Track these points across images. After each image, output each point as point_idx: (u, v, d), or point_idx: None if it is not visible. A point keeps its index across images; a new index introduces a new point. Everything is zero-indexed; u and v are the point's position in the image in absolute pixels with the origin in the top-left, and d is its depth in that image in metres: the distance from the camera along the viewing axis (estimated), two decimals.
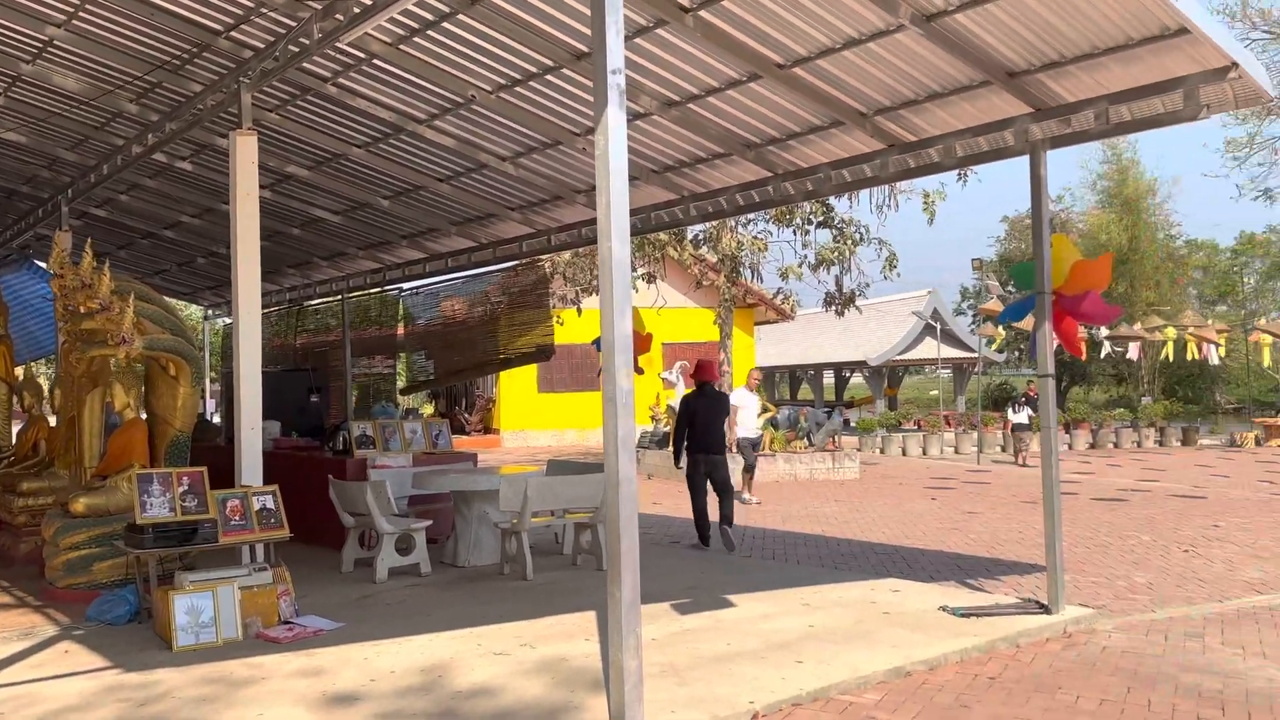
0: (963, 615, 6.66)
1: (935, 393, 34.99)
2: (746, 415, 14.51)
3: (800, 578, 8.28)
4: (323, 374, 14.50)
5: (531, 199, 10.44)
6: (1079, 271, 7.12)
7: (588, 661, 5.70)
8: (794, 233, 20.03)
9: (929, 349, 32.11)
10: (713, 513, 10.21)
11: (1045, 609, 6.77)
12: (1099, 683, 5.49)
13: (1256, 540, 10.86)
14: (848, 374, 44.08)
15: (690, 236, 21.21)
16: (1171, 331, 19.43)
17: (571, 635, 6.34)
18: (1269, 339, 18.27)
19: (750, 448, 14.57)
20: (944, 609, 6.84)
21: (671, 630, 6.42)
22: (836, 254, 19.84)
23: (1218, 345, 19.72)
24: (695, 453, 10.24)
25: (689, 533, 11.23)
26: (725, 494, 10.27)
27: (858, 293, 20.53)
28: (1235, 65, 6.01)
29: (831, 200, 19.12)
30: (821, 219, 19.79)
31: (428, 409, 29.56)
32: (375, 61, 7.85)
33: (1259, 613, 7.38)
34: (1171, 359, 20.39)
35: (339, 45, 7.18)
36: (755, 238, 20.63)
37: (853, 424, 29.44)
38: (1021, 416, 22.74)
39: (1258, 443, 27.59)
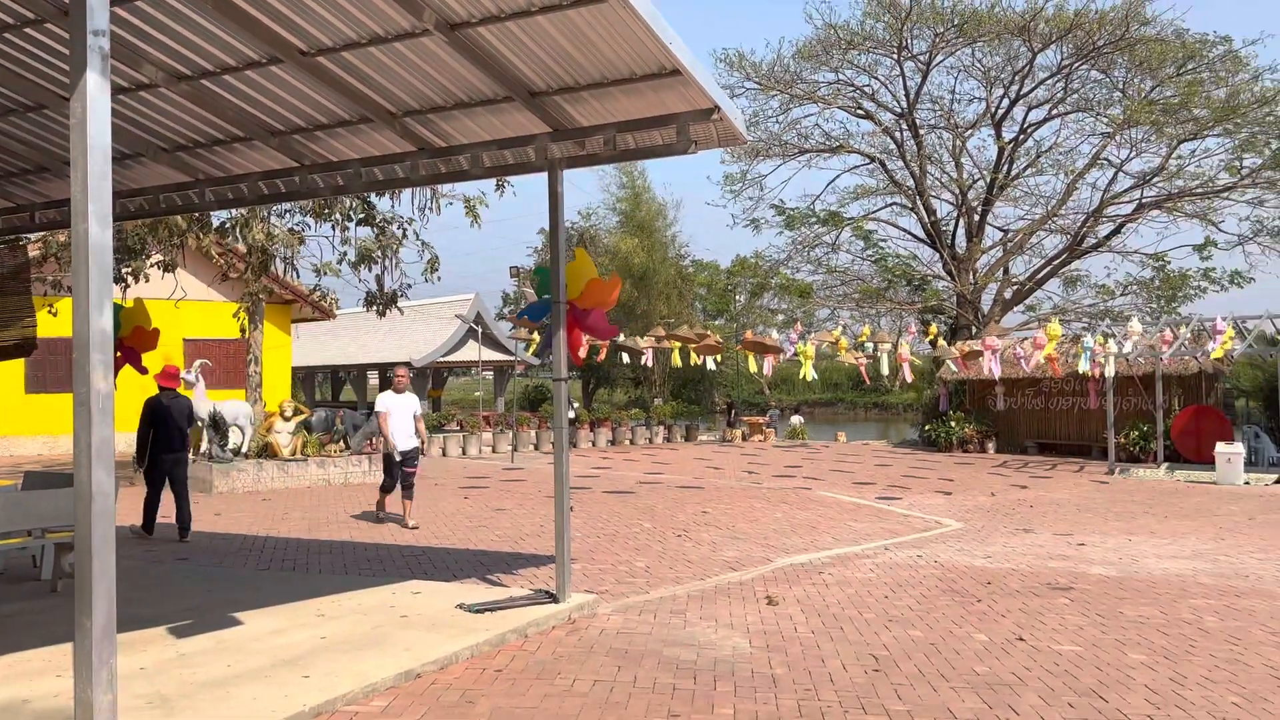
0: (478, 611, 6.85)
1: (479, 394, 35.91)
2: (400, 422, 11.98)
3: (320, 587, 7.99)
4: None
5: (9, 169, 8.98)
6: (591, 288, 7.65)
7: (57, 702, 4.99)
8: (333, 228, 19.36)
9: (472, 351, 32.87)
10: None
11: (554, 598, 7.20)
12: (594, 664, 5.94)
13: (735, 524, 12.49)
14: (392, 375, 43.70)
15: (217, 224, 19.64)
16: (676, 343, 21.75)
17: (39, 673, 5.51)
18: (751, 351, 21.17)
19: (401, 462, 11.98)
20: (461, 607, 6.98)
21: (166, 657, 5.84)
22: (379, 252, 19.52)
23: (715, 354, 22.47)
24: (160, 453, 10.97)
25: (198, 548, 10.42)
26: (182, 494, 11.04)
27: (400, 293, 20.37)
28: (718, 108, 6.85)
29: (373, 198, 18.80)
30: (363, 216, 19.35)
31: None
32: None
33: (732, 588, 8.47)
34: (679, 364, 22.76)
35: None
36: (291, 230, 19.63)
37: None
38: (569, 413, 24.32)
39: (744, 438, 31.95)
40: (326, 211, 18.90)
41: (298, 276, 21.39)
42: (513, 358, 33.69)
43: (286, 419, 17.18)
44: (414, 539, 11.04)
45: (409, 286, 20.35)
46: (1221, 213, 30.33)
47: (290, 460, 16.69)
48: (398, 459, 11.97)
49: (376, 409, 12.24)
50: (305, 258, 20.44)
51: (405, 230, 19.22)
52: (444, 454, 25.84)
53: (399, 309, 20.67)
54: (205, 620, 6.75)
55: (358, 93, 7.16)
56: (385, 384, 44.19)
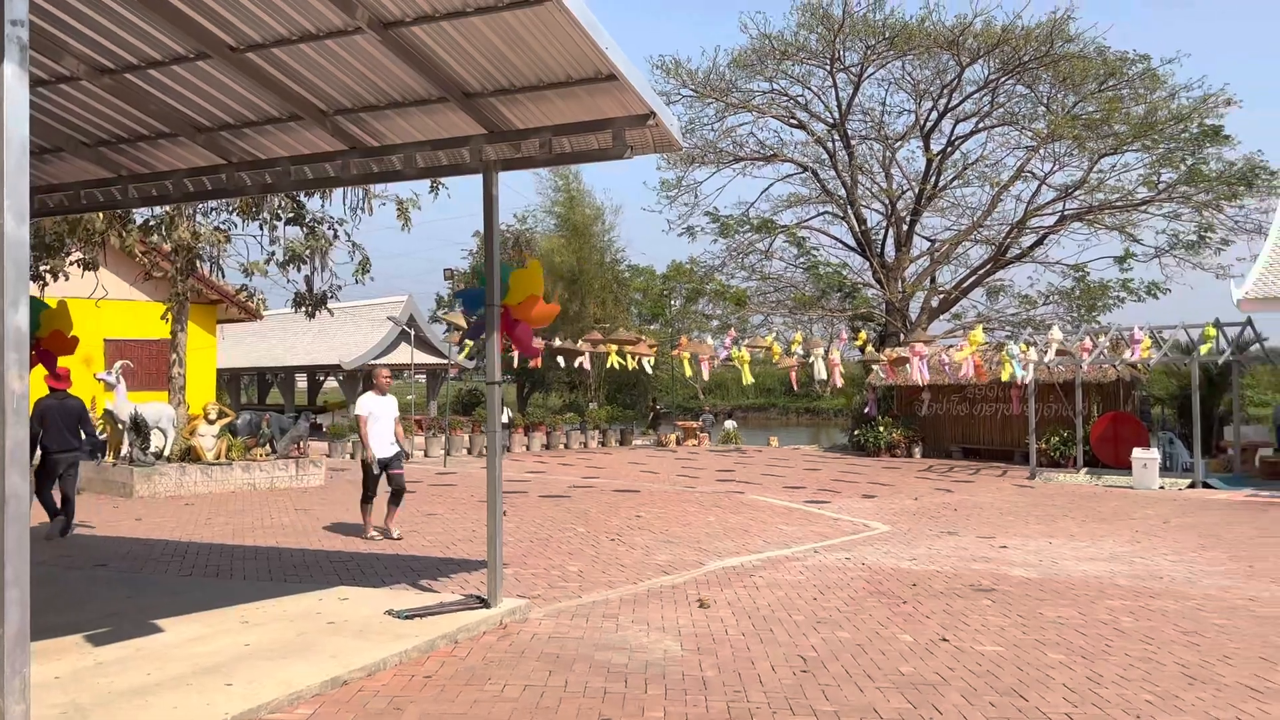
0: (407, 617, 6.77)
1: (411, 397, 35.50)
2: (381, 427, 11.20)
3: (244, 594, 7.82)
4: None
5: None
6: (530, 303, 7.59)
7: None
8: (261, 227, 18.99)
9: (404, 354, 32.49)
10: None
11: (485, 603, 7.15)
12: (525, 669, 5.92)
13: (669, 528, 12.54)
14: (321, 378, 42.98)
15: (140, 222, 19.12)
16: (613, 346, 21.81)
17: None
18: (687, 355, 21.33)
19: (385, 468, 11.20)
20: (390, 613, 6.90)
21: (82, 665, 5.66)
22: (308, 252, 19.17)
23: (649, 356, 22.58)
24: (51, 453, 11.15)
25: (118, 554, 10.14)
26: (68, 497, 11.28)
27: (330, 294, 20.05)
28: (654, 114, 6.88)
29: (303, 197, 18.49)
30: (292, 215, 19.00)
31: None
32: None
33: (664, 591, 8.50)
34: (618, 367, 22.77)
35: None
36: (217, 229, 19.20)
37: (324, 429, 28.75)
38: (503, 417, 25.08)
39: (678, 442, 32.09)
40: (254, 210, 18.53)
41: (223, 276, 20.93)
42: (446, 361, 33.39)
43: (211, 422, 16.79)
44: (343, 544, 10.87)
45: (339, 288, 20.05)
46: (1139, 226, 31.41)
47: (214, 464, 16.31)
48: (376, 471, 11.17)
49: (357, 411, 11.36)
50: (232, 256, 20.04)
51: (335, 231, 18.91)
52: None
53: (329, 310, 20.36)
54: (124, 627, 6.56)
55: (288, 90, 7.05)
56: (314, 386, 43.47)
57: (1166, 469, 19.71)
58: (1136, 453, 18.95)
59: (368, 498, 11.33)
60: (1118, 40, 77.03)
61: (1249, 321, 19.84)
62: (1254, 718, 5.28)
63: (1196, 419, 18.93)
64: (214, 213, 19.20)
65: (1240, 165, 28.88)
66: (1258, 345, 20.90)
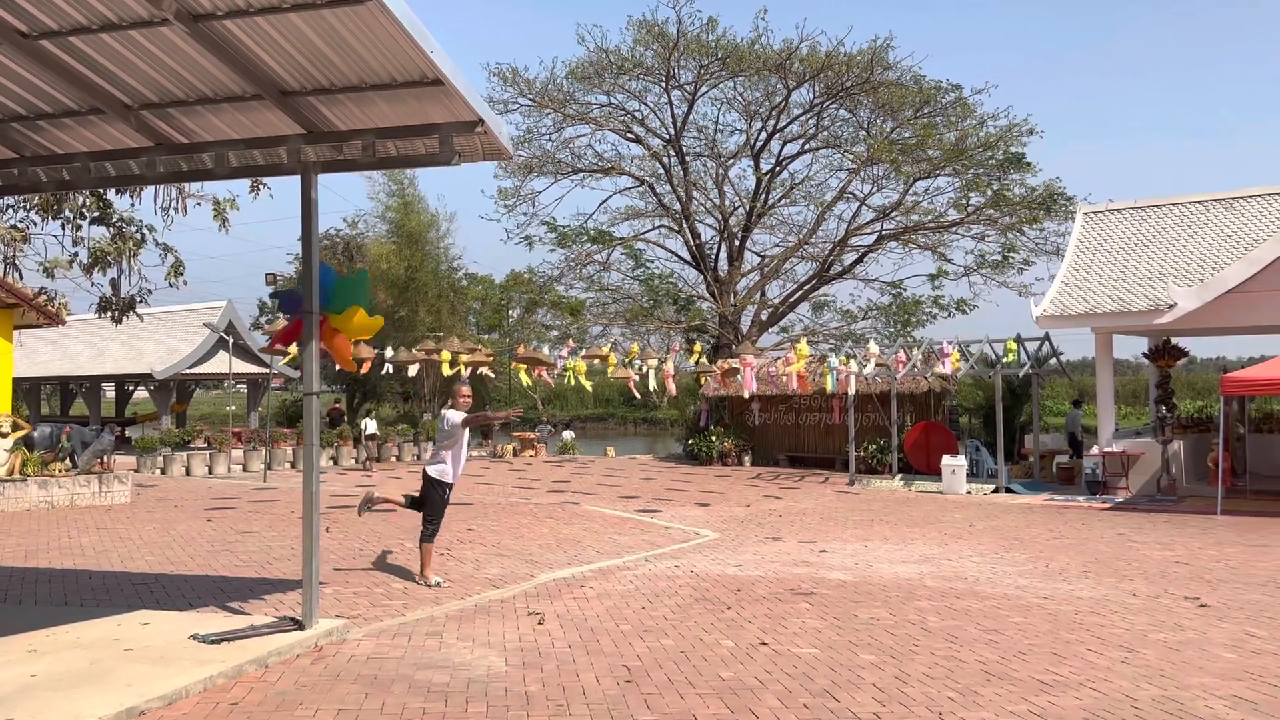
0: (214, 642, 6.41)
1: (231, 409, 33.75)
2: (462, 449, 9.64)
3: (34, 620, 7.22)
4: None
5: None
6: (350, 314, 7.33)
7: None
8: (63, 226, 17.65)
9: (222, 363, 30.90)
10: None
11: (300, 625, 6.85)
12: (340, 693, 5.70)
13: (501, 540, 12.39)
14: (130, 387, 40.35)
15: None
16: (447, 354, 21.43)
17: None
18: (523, 366, 21.21)
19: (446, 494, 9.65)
20: (194, 638, 6.52)
21: None
22: (115, 254, 17.94)
23: (485, 365, 22.33)
24: None
25: None
26: None
27: (139, 299, 18.82)
28: (482, 122, 6.80)
29: (112, 195, 17.32)
30: (97, 214, 17.75)
31: None
32: None
33: (493, 606, 8.39)
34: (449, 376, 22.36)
35: None
36: (14, 227, 17.74)
37: (133, 442, 26.97)
38: (370, 428, 27.65)
39: (515, 453, 31.82)
40: (56, 208, 17.22)
41: (21, 278, 19.35)
42: (268, 370, 31.95)
43: (3, 435, 15.51)
44: (147, 565, 10.20)
45: (149, 292, 18.85)
46: (950, 246, 33.38)
47: (7, 481, 15.05)
48: (447, 496, 9.66)
49: (452, 420, 9.33)
50: (30, 257, 18.52)
51: (144, 234, 17.79)
52: (188, 473, 24.13)
53: (137, 316, 19.11)
54: None
55: (87, 81, 6.59)
56: (123, 397, 40.70)
57: (973, 475, 20.98)
58: (946, 460, 20.09)
59: (433, 533, 9.53)
60: (940, 69, 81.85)
61: (1047, 337, 21.41)
62: (1043, 709, 5.66)
63: (1000, 428, 20.25)
64: (10, 210, 17.73)
65: (1040, 191, 31.14)
66: (1054, 359, 22.57)
